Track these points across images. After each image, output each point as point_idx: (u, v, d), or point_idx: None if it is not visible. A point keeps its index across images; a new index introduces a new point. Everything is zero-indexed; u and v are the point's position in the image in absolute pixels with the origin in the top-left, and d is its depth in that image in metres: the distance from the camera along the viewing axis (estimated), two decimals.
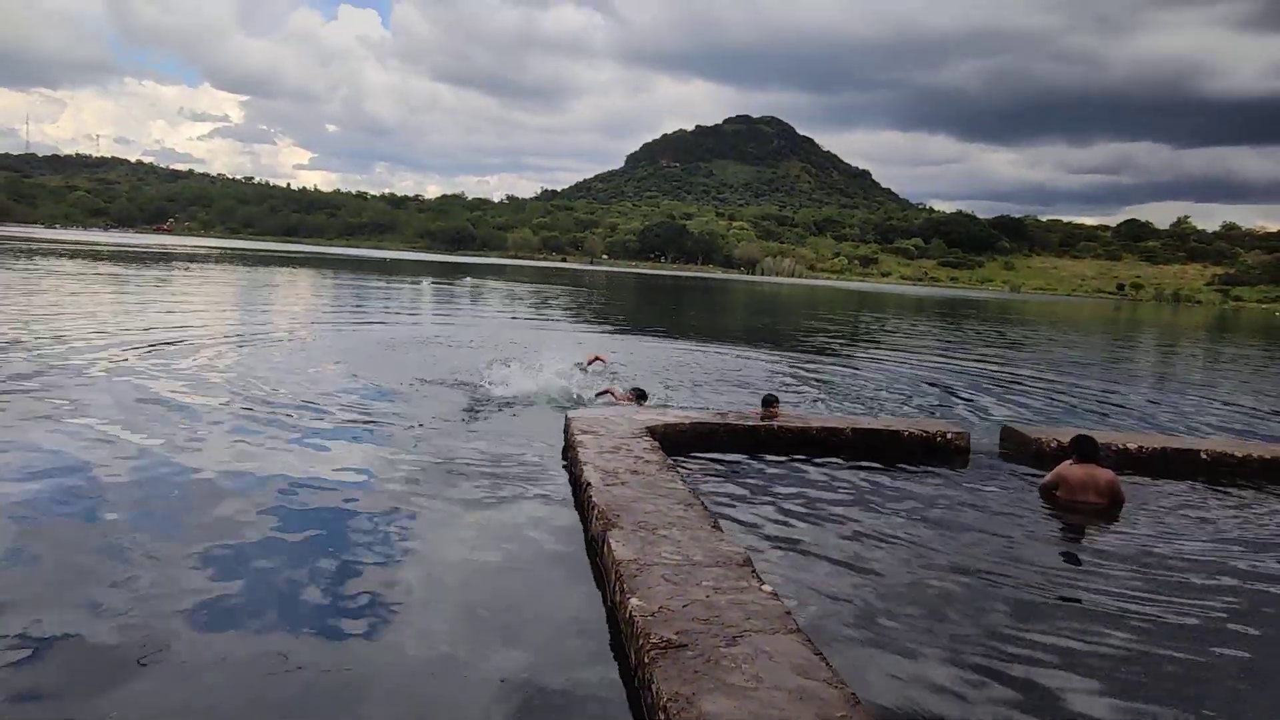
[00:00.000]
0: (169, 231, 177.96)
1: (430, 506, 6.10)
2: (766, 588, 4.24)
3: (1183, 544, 6.29)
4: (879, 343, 24.56)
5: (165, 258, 51.05)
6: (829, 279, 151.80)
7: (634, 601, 3.94)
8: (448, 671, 3.83)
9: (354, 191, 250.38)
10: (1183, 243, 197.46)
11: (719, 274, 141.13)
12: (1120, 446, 8.68)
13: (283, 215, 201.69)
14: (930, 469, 8.13)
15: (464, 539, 5.51)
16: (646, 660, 3.44)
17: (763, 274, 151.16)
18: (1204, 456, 8.75)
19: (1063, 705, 3.84)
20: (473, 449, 7.81)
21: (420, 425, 8.72)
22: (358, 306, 25.89)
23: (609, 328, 24.43)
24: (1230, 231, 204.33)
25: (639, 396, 10.33)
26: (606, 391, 10.70)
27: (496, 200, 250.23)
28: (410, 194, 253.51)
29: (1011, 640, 4.47)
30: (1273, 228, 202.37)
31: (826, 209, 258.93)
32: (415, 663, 3.88)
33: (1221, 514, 7.19)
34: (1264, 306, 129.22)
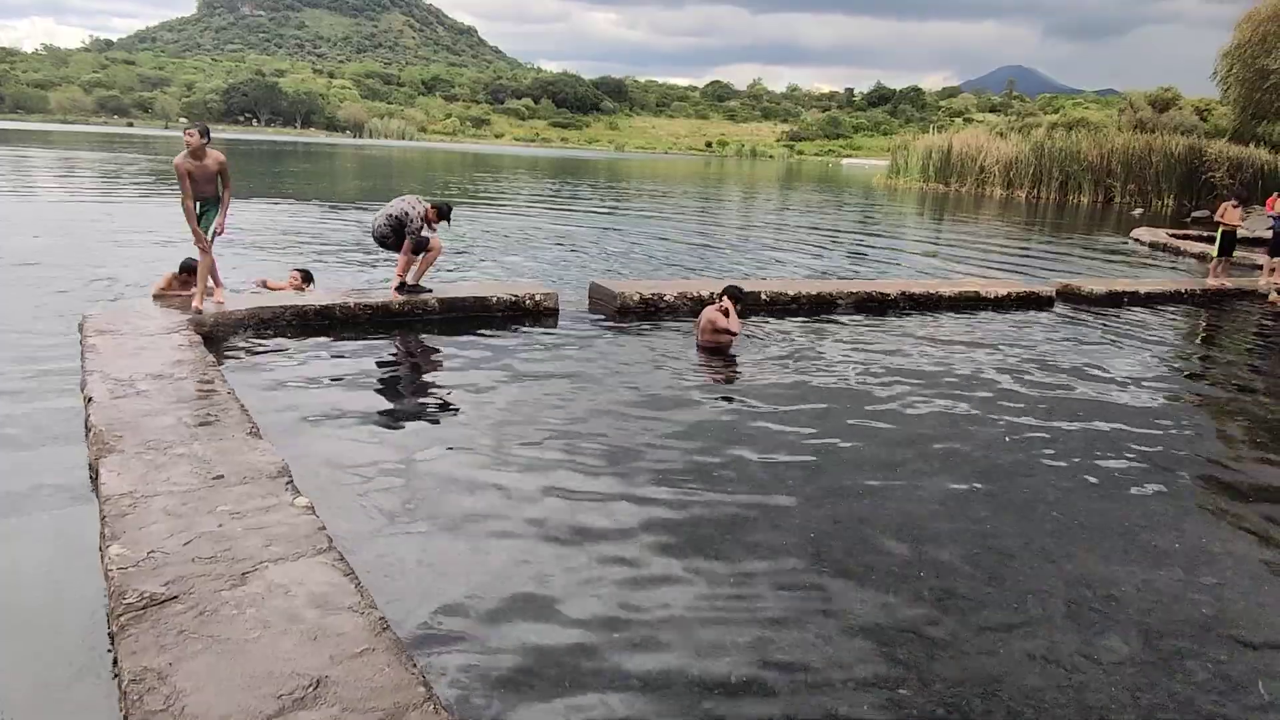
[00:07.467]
0: None
1: None
2: (301, 501, 3.64)
3: (755, 369, 6.77)
4: (491, 203, 24.10)
5: None
6: (442, 141, 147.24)
7: (114, 550, 3.12)
8: None
9: None
10: (758, 102, 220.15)
11: (323, 137, 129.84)
12: (695, 294, 9.18)
13: None
14: (519, 331, 7.94)
15: None
16: (119, 628, 2.69)
17: (371, 137, 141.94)
18: (764, 297, 9.60)
19: (639, 553, 3.80)
20: None
21: None
22: None
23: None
24: (794, 93, 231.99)
25: (305, 278, 8.71)
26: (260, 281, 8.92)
27: (30, 50, 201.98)
28: None
29: (591, 505, 4.35)
30: (826, 89, 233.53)
31: (434, 67, 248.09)
32: None
33: (783, 348, 7.91)
34: (819, 158, 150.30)
